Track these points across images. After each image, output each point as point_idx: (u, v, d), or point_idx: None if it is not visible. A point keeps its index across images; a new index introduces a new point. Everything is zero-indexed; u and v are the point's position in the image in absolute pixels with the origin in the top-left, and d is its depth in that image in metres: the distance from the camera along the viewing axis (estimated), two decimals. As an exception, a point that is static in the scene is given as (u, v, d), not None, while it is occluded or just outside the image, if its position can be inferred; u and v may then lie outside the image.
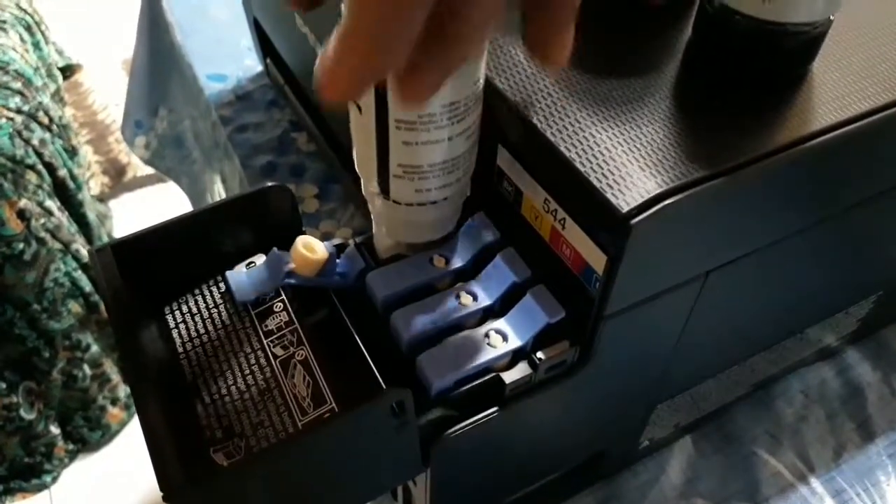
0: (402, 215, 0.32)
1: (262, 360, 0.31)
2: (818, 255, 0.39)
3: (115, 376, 1.29)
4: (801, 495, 0.46)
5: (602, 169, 0.29)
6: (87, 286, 1.18)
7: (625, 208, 0.27)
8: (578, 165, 0.29)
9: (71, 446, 1.28)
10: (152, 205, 1.69)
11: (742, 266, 0.34)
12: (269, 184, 0.34)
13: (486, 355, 0.31)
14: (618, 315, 0.31)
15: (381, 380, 0.30)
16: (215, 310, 0.33)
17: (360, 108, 0.29)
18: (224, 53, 0.73)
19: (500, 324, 0.32)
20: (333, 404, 0.29)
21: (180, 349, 0.32)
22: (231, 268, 0.34)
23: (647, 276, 0.31)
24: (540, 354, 0.31)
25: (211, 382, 0.31)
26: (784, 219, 0.34)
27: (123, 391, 1.31)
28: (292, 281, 0.33)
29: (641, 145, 0.30)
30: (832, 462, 0.47)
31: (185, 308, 0.33)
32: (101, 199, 1.65)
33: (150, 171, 1.52)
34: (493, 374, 0.31)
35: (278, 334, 0.32)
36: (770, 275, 0.37)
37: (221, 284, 0.34)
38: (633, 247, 0.28)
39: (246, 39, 0.71)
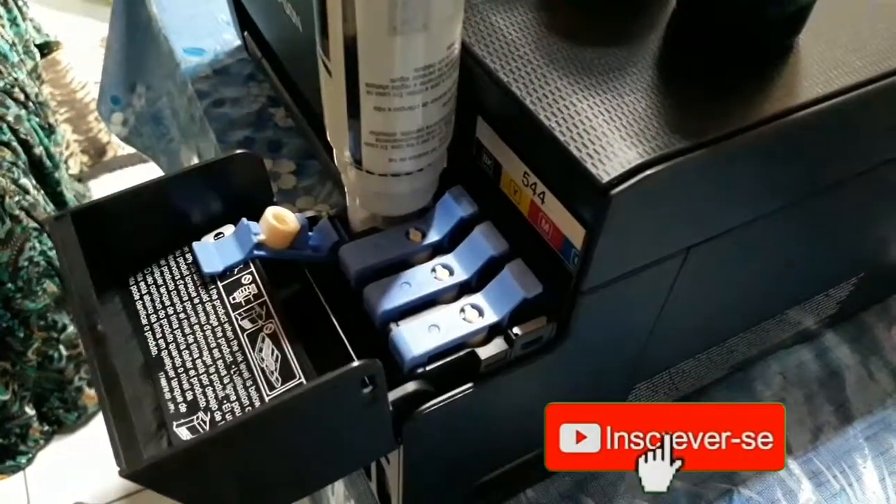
0: (376, 186, 0.31)
1: (230, 333, 0.30)
2: (799, 234, 0.39)
3: (92, 358, 1.27)
4: (778, 477, 0.45)
5: (582, 138, 0.28)
6: (64, 266, 1.16)
7: (604, 178, 0.26)
8: (558, 134, 0.28)
9: (46, 428, 1.27)
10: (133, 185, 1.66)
11: (723, 243, 0.33)
12: (238, 151, 0.32)
13: (462, 330, 0.30)
14: (596, 290, 0.30)
15: (353, 354, 0.29)
16: (181, 281, 0.32)
17: (329, 72, 0.28)
18: (202, 27, 0.71)
19: (477, 298, 0.31)
20: (303, 379, 0.28)
21: (145, 321, 0.31)
22: (198, 239, 0.33)
23: (626, 250, 0.30)
24: (516, 330, 0.31)
25: (176, 355, 0.30)
26: (766, 194, 0.33)
27: (100, 373, 1.30)
28: (262, 253, 0.32)
29: (623, 115, 0.29)
30: (809, 444, 0.47)
31: (150, 279, 0.32)
32: (81, 178, 1.62)
33: (130, 150, 1.50)
34: (468, 349, 0.31)
35: (246, 307, 0.31)
36: (751, 253, 0.36)
37: (188, 255, 0.33)
38: (612, 219, 0.27)
39: (224, 13, 0.70)
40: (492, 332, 0.31)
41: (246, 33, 0.64)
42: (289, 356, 0.29)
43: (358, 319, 0.32)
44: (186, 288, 0.32)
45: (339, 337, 0.30)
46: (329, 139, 0.32)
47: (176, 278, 0.32)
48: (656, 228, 0.30)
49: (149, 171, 1.51)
